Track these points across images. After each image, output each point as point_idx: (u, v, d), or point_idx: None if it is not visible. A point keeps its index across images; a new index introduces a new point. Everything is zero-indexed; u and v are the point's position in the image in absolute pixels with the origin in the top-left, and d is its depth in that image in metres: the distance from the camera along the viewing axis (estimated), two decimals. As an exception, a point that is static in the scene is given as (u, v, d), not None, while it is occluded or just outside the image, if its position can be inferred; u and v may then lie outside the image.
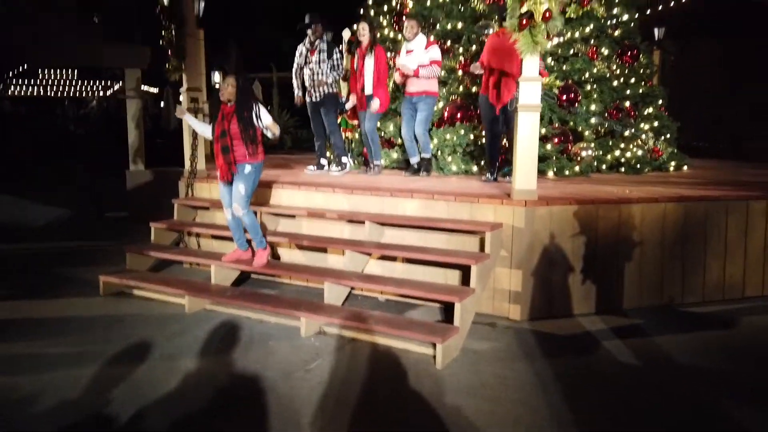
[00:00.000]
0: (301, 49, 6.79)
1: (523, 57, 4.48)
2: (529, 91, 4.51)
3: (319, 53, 6.55)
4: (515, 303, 4.66)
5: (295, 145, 16.14)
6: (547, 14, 4.27)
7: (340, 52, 6.83)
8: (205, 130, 5.27)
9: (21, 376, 3.63)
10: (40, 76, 29.75)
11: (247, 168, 4.83)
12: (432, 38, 6.91)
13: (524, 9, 4.32)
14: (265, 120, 4.80)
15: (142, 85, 10.69)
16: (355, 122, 7.60)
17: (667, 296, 5.07)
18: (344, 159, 6.95)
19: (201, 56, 6.82)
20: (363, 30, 6.42)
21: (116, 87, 28.21)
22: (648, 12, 11.05)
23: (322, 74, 6.56)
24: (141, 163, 10.09)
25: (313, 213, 5.42)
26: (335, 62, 6.56)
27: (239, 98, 4.74)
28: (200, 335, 4.40)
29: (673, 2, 16.67)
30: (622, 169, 7.17)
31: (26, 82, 29.34)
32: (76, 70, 29.88)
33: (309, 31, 6.61)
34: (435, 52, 6.23)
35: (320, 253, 5.42)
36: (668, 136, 7.97)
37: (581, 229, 4.74)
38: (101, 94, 29.65)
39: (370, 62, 6.36)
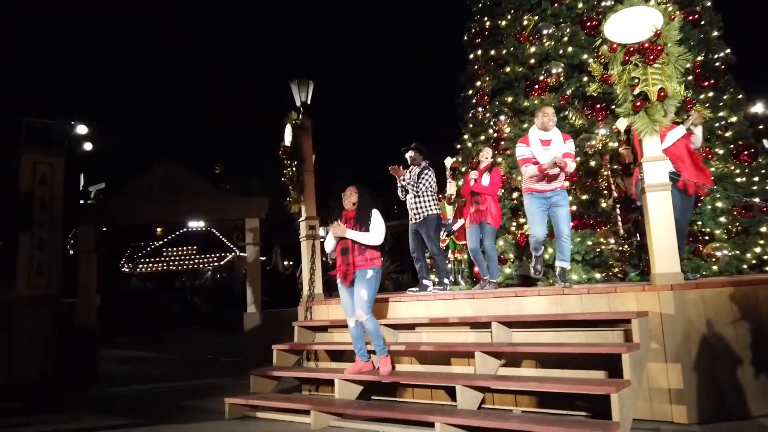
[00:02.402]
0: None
1: (642, 138, 4.42)
2: (655, 170, 4.37)
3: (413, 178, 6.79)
4: (678, 403, 4.03)
5: (397, 289, 16.26)
6: (662, 93, 4.28)
7: (427, 175, 6.75)
8: (360, 236, 4.99)
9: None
10: (164, 253, 33.08)
11: (369, 273, 4.89)
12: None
13: (637, 92, 4.36)
14: (370, 233, 4.95)
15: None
16: (463, 242, 7.60)
17: None
18: (445, 280, 6.80)
19: (313, 190, 7.37)
20: (487, 153, 6.73)
21: (228, 257, 30.69)
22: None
23: (418, 198, 6.69)
24: (256, 306, 10.50)
25: (434, 321, 5.24)
26: (422, 185, 6.63)
27: (361, 205, 5.01)
28: (328, 447, 4.13)
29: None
30: (766, 268, 6.48)
31: (151, 260, 32.65)
32: (195, 246, 33.05)
33: (408, 157, 6.89)
34: (572, 146, 5.57)
35: (443, 366, 5.12)
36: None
37: (742, 315, 4.19)
38: (215, 264, 32.25)
39: (486, 181, 6.47)
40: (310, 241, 6.77)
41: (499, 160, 8.11)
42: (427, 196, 6.68)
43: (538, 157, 5.40)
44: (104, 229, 11.63)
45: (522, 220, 7.61)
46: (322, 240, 11.83)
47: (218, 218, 16.03)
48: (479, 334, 5.00)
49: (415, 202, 6.73)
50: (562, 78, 8.00)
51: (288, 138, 6.94)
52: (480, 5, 9.55)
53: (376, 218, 5.05)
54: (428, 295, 5.64)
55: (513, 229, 7.69)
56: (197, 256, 33.00)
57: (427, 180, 6.67)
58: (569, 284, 5.39)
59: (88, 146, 12.79)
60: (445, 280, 6.83)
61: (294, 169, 6.90)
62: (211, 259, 32.64)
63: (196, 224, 25.64)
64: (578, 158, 7.35)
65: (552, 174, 5.41)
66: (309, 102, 7.07)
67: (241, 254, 11.40)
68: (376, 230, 4.98)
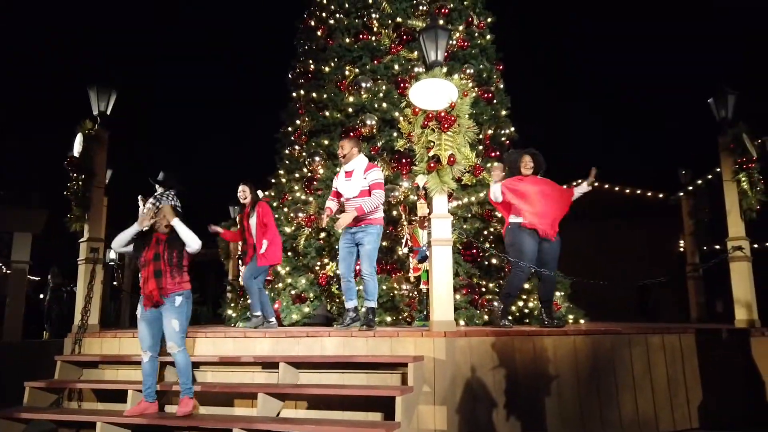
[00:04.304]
0: None
1: (433, 196, 4.85)
2: (441, 226, 4.81)
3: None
4: (442, 444, 4.37)
5: (195, 322, 15.35)
6: (452, 159, 4.77)
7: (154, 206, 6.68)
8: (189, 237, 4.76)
9: None
10: None
11: (178, 300, 4.60)
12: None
13: (431, 154, 4.81)
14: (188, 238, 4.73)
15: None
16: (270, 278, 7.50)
17: (589, 433, 5.00)
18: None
19: (104, 208, 6.78)
20: (243, 192, 6.55)
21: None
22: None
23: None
24: (17, 333, 9.04)
25: (222, 360, 5.01)
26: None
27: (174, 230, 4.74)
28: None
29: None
30: (527, 320, 7.46)
31: None
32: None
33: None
34: (376, 174, 5.45)
35: (226, 408, 4.89)
36: (563, 293, 8.53)
37: (500, 362, 4.74)
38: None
39: (254, 221, 6.41)
40: (90, 265, 6.07)
41: (310, 199, 8.25)
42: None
43: (339, 188, 5.64)
44: None
45: (326, 260, 7.78)
46: (111, 263, 10.70)
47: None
48: (267, 374, 4.90)
49: None
50: (375, 130, 8.47)
51: (78, 148, 6.23)
52: (306, 48, 9.81)
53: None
54: (218, 332, 5.40)
55: (317, 268, 7.79)
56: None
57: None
58: (373, 326, 5.31)
59: None
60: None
61: (80, 183, 6.20)
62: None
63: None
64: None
65: (349, 208, 5.46)
66: (109, 112, 6.46)
67: (7, 272, 9.81)
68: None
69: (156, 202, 6.55)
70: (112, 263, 11.52)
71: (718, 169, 7.31)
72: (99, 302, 6.25)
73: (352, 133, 8.32)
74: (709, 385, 5.69)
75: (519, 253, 5.88)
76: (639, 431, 5.25)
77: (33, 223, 9.58)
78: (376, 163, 8.17)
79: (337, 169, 8.20)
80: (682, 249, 11.88)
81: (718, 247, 9.59)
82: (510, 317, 6.29)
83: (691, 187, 9.95)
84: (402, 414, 4.02)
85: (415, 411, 4.41)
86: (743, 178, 6.50)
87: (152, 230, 4.81)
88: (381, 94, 8.57)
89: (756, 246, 9.10)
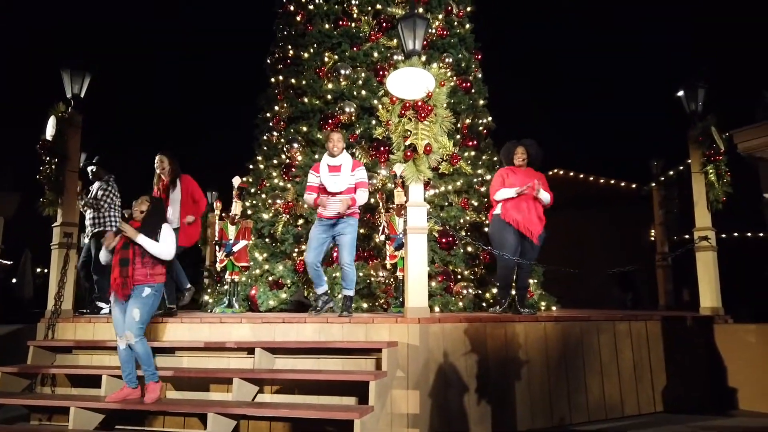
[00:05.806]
0: None
1: (409, 184, 4.91)
2: (417, 215, 4.88)
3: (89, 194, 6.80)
4: (414, 427, 4.47)
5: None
6: (428, 148, 4.82)
7: (107, 191, 6.77)
8: (151, 244, 4.68)
9: None
10: None
11: (146, 290, 4.58)
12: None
13: (408, 143, 4.85)
14: (161, 244, 4.68)
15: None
16: (242, 264, 7.49)
17: (558, 417, 5.16)
18: (99, 303, 6.52)
19: (76, 194, 6.71)
20: (161, 162, 6.06)
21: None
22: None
23: (97, 213, 6.70)
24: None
25: (198, 345, 5.03)
26: (93, 200, 6.69)
27: (149, 216, 4.72)
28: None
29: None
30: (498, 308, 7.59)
31: None
32: None
33: (90, 172, 6.90)
34: (364, 173, 5.58)
35: (202, 392, 4.93)
36: (536, 280, 8.69)
37: (472, 347, 4.85)
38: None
39: (176, 195, 6.04)
40: (64, 250, 6.02)
41: (288, 186, 8.24)
42: (105, 211, 6.70)
43: (325, 183, 5.48)
44: None
45: (304, 247, 7.80)
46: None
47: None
48: (243, 359, 4.93)
49: (94, 217, 6.73)
50: (353, 117, 8.47)
51: (50, 131, 6.13)
52: (285, 33, 9.73)
53: (167, 232, 4.77)
54: (194, 317, 5.41)
55: (294, 255, 7.82)
56: None
57: (99, 195, 6.69)
58: (350, 313, 5.41)
59: None
60: (99, 303, 6.57)
61: (53, 167, 6.11)
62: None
63: None
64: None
65: (331, 197, 5.43)
66: (83, 95, 6.36)
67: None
68: (168, 243, 4.72)
69: (100, 190, 6.66)
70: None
71: (689, 161, 7.49)
72: (73, 287, 6.21)
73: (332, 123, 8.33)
74: (673, 371, 5.91)
75: (500, 245, 5.94)
76: (605, 415, 5.43)
77: (4, 206, 9.41)
78: (354, 151, 8.22)
79: (316, 156, 8.24)
80: (653, 239, 12.14)
81: (687, 236, 9.86)
82: (499, 306, 6.38)
83: (662, 178, 10.16)
84: (375, 398, 4.11)
85: (389, 395, 4.50)
86: (711, 171, 6.68)
87: (129, 218, 4.80)
88: (360, 82, 8.56)
89: (724, 236, 9.39)
